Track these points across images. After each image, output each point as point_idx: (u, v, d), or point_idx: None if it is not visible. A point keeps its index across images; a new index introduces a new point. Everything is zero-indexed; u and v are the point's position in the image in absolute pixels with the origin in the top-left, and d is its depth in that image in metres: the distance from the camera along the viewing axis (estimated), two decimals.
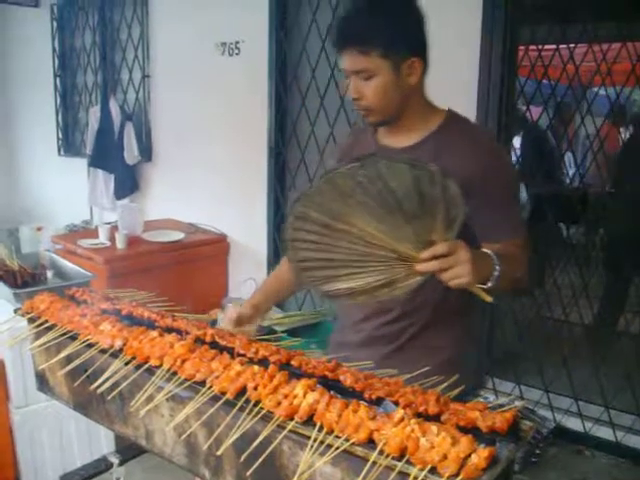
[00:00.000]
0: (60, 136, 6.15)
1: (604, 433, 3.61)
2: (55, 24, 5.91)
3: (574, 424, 3.68)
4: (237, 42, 4.47)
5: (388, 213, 1.37)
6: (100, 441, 3.14)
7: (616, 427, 3.57)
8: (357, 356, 1.67)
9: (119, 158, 5.24)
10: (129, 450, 1.77)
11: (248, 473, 1.25)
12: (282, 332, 3.69)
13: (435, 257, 1.36)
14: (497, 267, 1.48)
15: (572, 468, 3.47)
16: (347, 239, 1.42)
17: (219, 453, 1.28)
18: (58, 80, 6.05)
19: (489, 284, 1.47)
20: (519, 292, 3.73)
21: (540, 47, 3.59)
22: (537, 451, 3.48)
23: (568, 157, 5.33)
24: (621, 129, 5.65)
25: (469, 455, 1.10)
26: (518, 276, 1.69)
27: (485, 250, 1.51)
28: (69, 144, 6.17)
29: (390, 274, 1.42)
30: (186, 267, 4.38)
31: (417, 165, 1.34)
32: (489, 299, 1.45)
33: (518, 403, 1.11)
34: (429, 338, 1.77)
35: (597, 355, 3.64)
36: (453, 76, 3.48)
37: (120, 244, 4.21)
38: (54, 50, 5.97)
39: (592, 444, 3.63)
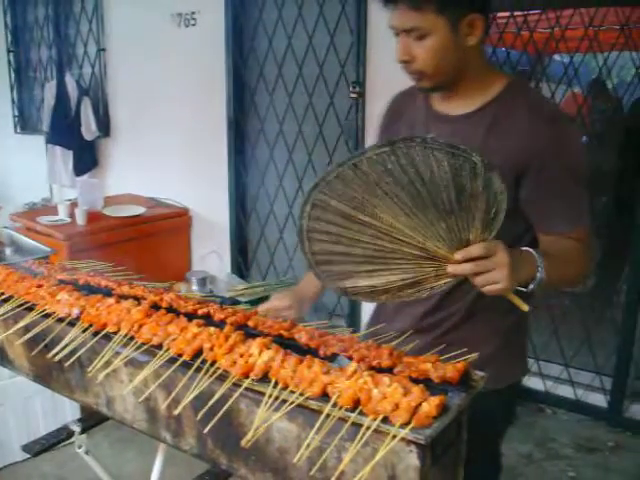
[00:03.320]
0: (16, 113, 6.02)
1: (564, 391, 3.71)
2: None
3: (535, 383, 3.76)
4: (193, 13, 4.41)
5: (419, 207, 1.22)
6: (66, 416, 3.14)
7: (575, 385, 3.67)
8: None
9: (77, 134, 5.17)
10: (91, 418, 1.77)
11: (205, 430, 1.26)
12: (246, 303, 3.69)
13: (470, 259, 1.23)
14: (540, 269, 1.32)
15: (534, 426, 3.55)
16: (370, 233, 1.28)
17: (176, 413, 1.30)
18: (12, 56, 5.90)
19: (531, 287, 1.33)
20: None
21: (494, 14, 3.59)
22: None
23: None
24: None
25: (420, 404, 1.12)
26: (571, 275, 1.50)
27: (528, 249, 1.35)
28: (25, 121, 6.05)
29: (417, 273, 1.29)
30: (148, 241, 4.36)
31: (458, 154, 1.18)
32: (525, 308, 1.31)
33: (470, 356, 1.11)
34: (465, 332, 1.60)
35: (556, 316, 3.72)
36: None
37: (80, 220, 4.16)
38: (6, 25, 5.82)
39: (553, 402, 3.73)
